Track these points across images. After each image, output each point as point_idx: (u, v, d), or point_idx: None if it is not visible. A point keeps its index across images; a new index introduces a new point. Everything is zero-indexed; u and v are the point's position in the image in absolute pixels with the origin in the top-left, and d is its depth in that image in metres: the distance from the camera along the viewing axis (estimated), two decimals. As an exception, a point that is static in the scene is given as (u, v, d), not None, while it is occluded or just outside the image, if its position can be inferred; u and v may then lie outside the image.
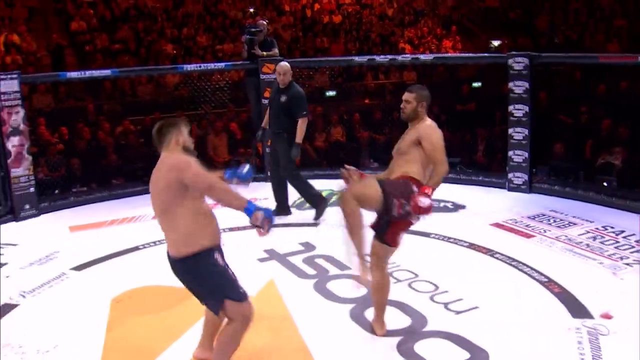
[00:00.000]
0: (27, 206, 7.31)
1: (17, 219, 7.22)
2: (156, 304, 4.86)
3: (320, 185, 7.98)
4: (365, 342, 4.12)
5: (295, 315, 4.49)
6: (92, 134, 8.86)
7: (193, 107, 9.62)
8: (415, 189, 3.85)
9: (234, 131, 9.23)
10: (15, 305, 4.91)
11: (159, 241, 6.19)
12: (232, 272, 3.48)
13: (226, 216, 6.88)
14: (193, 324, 4.37)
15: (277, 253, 5.72)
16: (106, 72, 8.41)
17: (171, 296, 4.89)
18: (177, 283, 5.05)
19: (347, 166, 4.25)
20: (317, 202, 6.76)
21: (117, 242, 6.22)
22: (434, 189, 3.88)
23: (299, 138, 6.56)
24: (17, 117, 7.12)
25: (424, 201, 3.73)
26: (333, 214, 6.84)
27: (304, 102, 6.63)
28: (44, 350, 4.13)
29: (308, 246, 5.90)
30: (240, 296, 3.41)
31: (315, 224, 6.60)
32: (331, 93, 10.54)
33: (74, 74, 8.17)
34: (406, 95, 4.10)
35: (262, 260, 5.62)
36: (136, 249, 6.07)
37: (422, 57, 9.43)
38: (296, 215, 6.95)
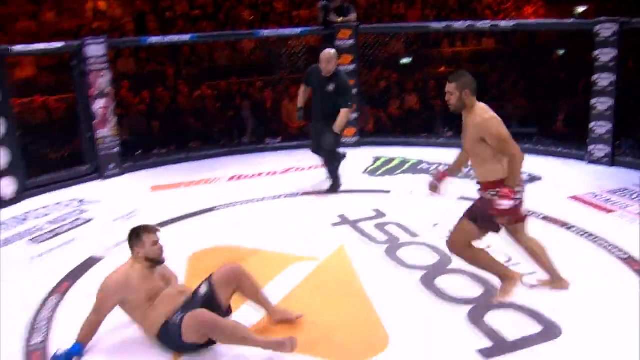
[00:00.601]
0: (111, 165, 7.60)
1: (102, 177, 7.53)
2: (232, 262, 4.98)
3: (393, 152, 7.97)
4: (434, 309, 4.10)
5: (365, 280, 4.51)
6: (171, 98, 9.06)
7: (268, 72, 9.69)
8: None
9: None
10: (100, 259, 5.15)
11: (233, 203, 6.34)
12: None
13: (301, 181, 7.00)
14: (265, 285, 4.46)
15: (349, 218, 5.74)
16: (185, 37, 8.55)
17: (244, 256, 5.02)
18: (249, 244, 5.23)
19: (432, 173, 4.35)
20: (336, 183, 6.62)
21: (194, 203, 6.38)
22: (513, 188, 3.84)
23: (338, 128, 6.30)
24: (103, 81, 7.37)
25: (501, 203, 3.82)
26: (403, 183, 6.82)
27: (350, 93, 6.51)
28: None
29: (379, 213, 5.90)
30: None
31: (387, 191, 6.56)
32: (406, 60, 10.37)
33: (155, 39, 8.37)
34: (448, 87, 3.96)
35: (334, 224, 5.65)
36: (212, 209, 6.22)
37: (502, 23, 9.12)
38: (368, 182, 6.94)
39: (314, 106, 6.58)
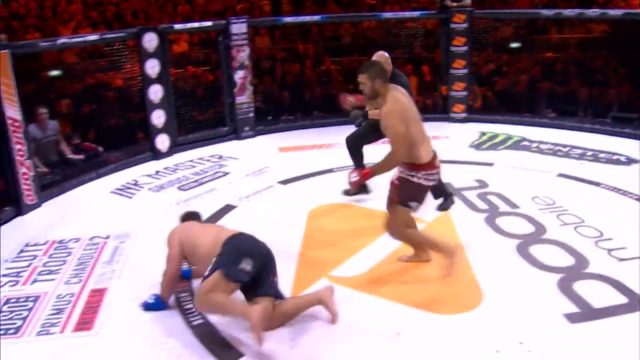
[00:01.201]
0: (246, 128, 7.91)
1: (238, 137, 7.86)
2: (345, 219, 5.12)
3: (498, 129, 7.78)
4: (526, 275, 4.06)
5: (465, 243, 4.51)
6: (299, 71, 9.23)
7: (387, 50, 9.60)
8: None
9: (425, 73, 9.14)
10: (234, 207, 5.44)
11: (348, 167, 6.44)
12: None
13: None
14: (373, 241, 4.58)
15: (454, 187, 5.71)
16: (316, 18, 8.67)
17: (358, 213, 5.14)
18: (361, 204, 5.34)
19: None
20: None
21: (315, 164, 6.55)
22: (373, 173, 3.86)
23: (372, 115, 5.24)
24: (243, 55, 7.64)
25: (350, 176, 3.93)
26: (506, 157, 6.66)
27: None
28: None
29: (482, 183, 5.82)
30: None
31: (490, 164, 6.43)
32: (515, 45, 9.97)
33: (288, 19, 8.54)
34: (360, 77, 3.78)
35: (439, 192, 5.64)
36: (330, 170, 6.36)
37: (611, 12, 8.56)
38: (473, 155, 6.83)
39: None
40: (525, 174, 6.04)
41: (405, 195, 3.94)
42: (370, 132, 5.27)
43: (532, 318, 3.53)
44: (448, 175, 5.97)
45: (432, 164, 3.88)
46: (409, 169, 3.88)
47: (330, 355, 3.25)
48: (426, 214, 5.00)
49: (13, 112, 5.40)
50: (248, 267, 3.33)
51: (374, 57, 5.27)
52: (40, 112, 6.35)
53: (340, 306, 3.62)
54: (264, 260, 3.44)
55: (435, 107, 8.73)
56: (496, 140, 7.41)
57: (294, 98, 8.87)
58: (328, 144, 7.39)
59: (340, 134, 7.91)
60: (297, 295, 3.76)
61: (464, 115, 8.31)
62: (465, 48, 8.15)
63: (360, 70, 3.78)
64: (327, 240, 4.68)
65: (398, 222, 4.00)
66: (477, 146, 7.17)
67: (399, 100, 3.77)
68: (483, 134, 7.68)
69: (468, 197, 5.48)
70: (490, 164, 6.45)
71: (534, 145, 7.09)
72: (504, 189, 5.58)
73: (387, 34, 9.41)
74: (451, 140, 7.30)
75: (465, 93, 8.22)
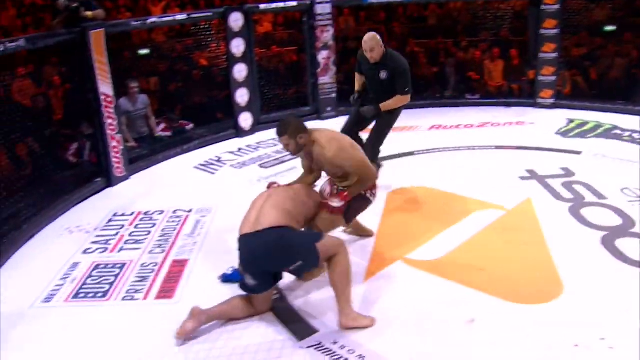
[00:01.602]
0: (328, 108, 7.94)
1: (320, 118, 7.89)
2: (425, 202, 5.06)
3: (588, 116, 7.43)
4: (612, 269, 3.87)
5: (547, 233, 4.35)
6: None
7: (473, 33, 9.35)
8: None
9: (513, 57, 8.83)
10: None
11: (430, 150, 6.36)
12: None
13: (495, 135, 6.80)
14: (452, 225, 4.50)
15: (538, 174, 5.51)
16: (401, -1, 8.55)
17: (438, 197, 5.07)
18: (442, 187, 5.25)
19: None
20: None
21: (397, 146, 6.46)
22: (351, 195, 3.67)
23: (386, 107, 4.94)
24: (327, 35, 7.64)
25: (330, 201, 3.68)
26: (595, 146, 6.36)
27: (408, 77, 4.92)
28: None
29: (568, 172, 5.58)
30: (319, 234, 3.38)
31: (578, 153, 6.16)
32: (610, 28, 9.44)
33: (374, 0, 8.44)
34: (281, 140, 3.59)
35: (522, 178, 5.46)
36: (412, 153, 6.29)
37: None
38: (560, 142, 6.54)
39: (369, 94, 5.16)
40: (615, 164, 5.74)
41: (354, 211, 3.83)
42: (365, 119, 5.12)
43: (616, 315, 3.37)
44: (532, 162, 5.80)
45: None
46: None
47: (399, 340, 3.24)
48: (507, 200, 4.87)
49: (106, 88, 5.66)
50: (251, 282, 3.35)
51: (365, 38, 4.86)
52: (132, 86, 6.61)
53: (414, 290, 3.60)
54: (261, 263, 3.31)
55: (521, 92, 8.43)
56: (585, 128, 7.07)
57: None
58: (410, 126, 7.29)
59: (422, 116, 7.84)
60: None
61: (551, 101, 7.98)
62: (556, 31, 7.79)
63: (278, 133, 3.59)
64: (405, 223, 4.64)
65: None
66: (564, 133, 6.87)
67: (331, 137, 3.64)
68: (571, 121, 7.35)
69: (552, 185, 5.27)
70: (578, 152, 6.16)
71: (626, 134, 6.71)
72: (591, 178, 5.33)
73: (473, 16, 9.15)
74: (537, 127, 7.04)
75: (554, 78, 7.88)
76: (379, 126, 5.13)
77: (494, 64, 8.55)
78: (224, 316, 3.43)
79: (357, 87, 5.23)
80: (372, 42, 4.83)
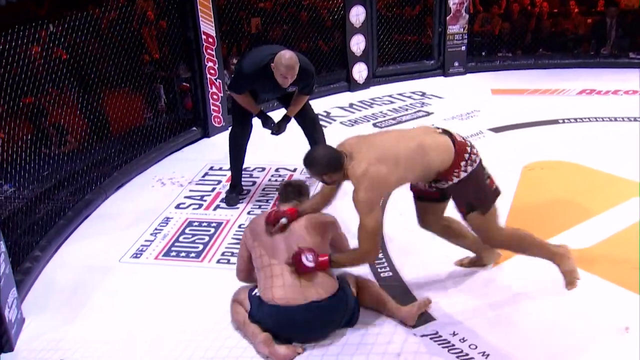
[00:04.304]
0: (456, 63, 7.75)
1: (445, 74, 7.74)
2: (567, 180, 4.84)
3: None
4: None
5: None
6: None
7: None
8: None
9: None
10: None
11: (579, 119, 6.05)
12: None
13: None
14: (603, 210, 4.26)
15: None
16: None
17: (584, 176, 4.83)
18: (590, 163, 4.97)
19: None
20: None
21: (536, 112, 6.25)
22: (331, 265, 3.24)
23: (293, 112, 4.69)
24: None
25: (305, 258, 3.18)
26: None
27: (314, 81, 4.63)
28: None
29: None
30: None
31: None
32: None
33: None
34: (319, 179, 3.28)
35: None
36: (555, 122, 6.02)
37: None
38: None
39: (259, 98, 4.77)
40: None
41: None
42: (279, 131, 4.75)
43: None
44: None
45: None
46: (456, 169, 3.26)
47: (532, 340, 3.11)
48: None
49: (208, 27, 5.77)
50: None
51: (285, 61, 4.14)
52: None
53: (552, 283, 3.44)
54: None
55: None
56: None
57: (516, 31, 8.45)
58: (555, 89, 6.98)
59: (572, 77, 7.46)
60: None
61: None
62: None
63: (307, 170, 3.29)
64: (542, 203, 4.46)
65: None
66: None
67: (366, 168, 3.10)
68: None
69: None
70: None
71: None
72: None
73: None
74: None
75: None
76: (307, 119, 4.86)
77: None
78: None
79: (255, 109, 4.62)
80: (294, 70, 4.21)
